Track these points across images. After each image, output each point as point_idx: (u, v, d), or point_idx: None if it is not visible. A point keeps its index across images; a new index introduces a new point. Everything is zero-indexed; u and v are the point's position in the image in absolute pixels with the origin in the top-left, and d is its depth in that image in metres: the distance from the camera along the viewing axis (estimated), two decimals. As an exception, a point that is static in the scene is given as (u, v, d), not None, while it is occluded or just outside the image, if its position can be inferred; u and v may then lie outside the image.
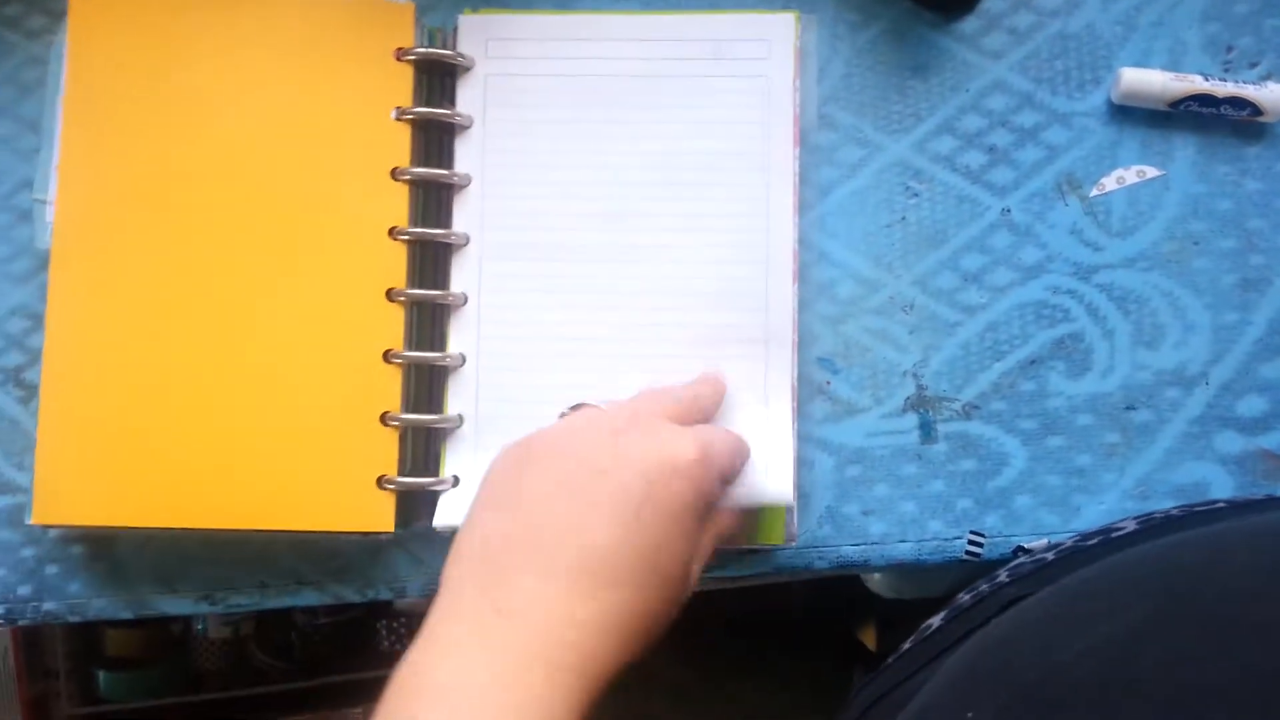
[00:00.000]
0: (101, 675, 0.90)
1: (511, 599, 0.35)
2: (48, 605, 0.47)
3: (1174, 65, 0.49)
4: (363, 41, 0.45)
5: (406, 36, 0.46)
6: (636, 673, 0.72)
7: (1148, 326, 0.48)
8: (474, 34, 0.47)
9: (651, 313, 0.46)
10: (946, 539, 0.47)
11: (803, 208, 0.48)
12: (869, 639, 0.86)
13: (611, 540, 0.36)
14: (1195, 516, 0.43)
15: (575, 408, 0.43)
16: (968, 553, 0.47)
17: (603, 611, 0.35)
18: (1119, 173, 0.49)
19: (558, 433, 0.39)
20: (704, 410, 0.43)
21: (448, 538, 0.46)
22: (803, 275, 0.47)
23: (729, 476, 0.41)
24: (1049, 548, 0.46)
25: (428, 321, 0.46)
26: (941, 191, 0.49)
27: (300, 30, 0.45)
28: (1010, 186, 0.49)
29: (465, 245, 0.46)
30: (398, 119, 0.45)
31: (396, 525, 0.44)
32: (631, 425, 0.38)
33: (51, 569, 0.47)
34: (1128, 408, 0.47)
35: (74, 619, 0.48)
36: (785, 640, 0.76)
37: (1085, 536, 0.45)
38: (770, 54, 0.47)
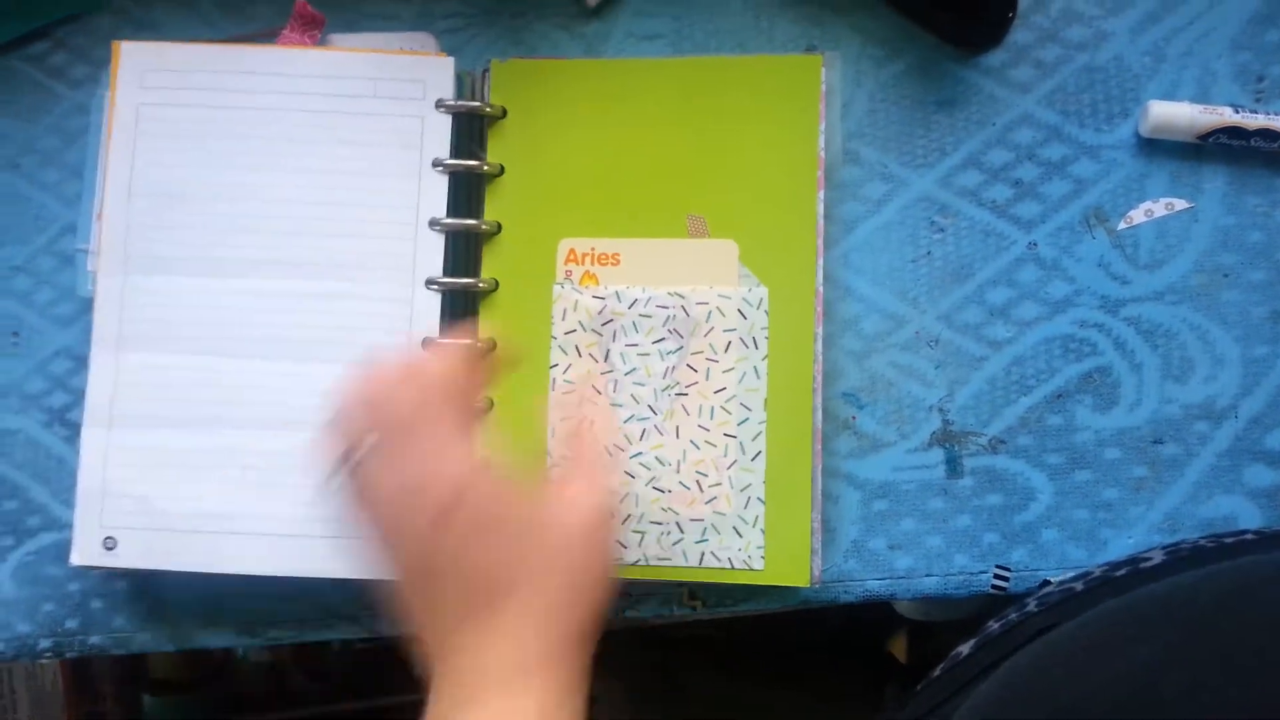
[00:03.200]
0: (146, 699, 0.93)
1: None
2: (93, 639, 0.49)
3: (1204, 95, 0.48)
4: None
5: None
6: (670, 684, 0.73)
7: (1176, 360, 0.48)
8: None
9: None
10: (973, 573, 0.47)
11: (828, 244, 0.48)
12: (899, 650, 0.86)
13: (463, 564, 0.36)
14: (1224, 549, 0.43)
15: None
16: (994, 587, 0.47)
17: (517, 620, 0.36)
18: (1147, 205, 0.48)
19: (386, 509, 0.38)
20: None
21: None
22: (828, 311, 0.48)
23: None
24: (1078, 576, 0.46)
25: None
26: (967, 226, 0.49)
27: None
28: (1037, 220, 0.49)
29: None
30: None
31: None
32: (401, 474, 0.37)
33: (96, 603, 0.49)
34: (1155, 441, 0.47)
35: (118, 652, 0.49)
36: (817, 652, 0.76)
37: (1114, 566, 0.45)
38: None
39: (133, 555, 0.45)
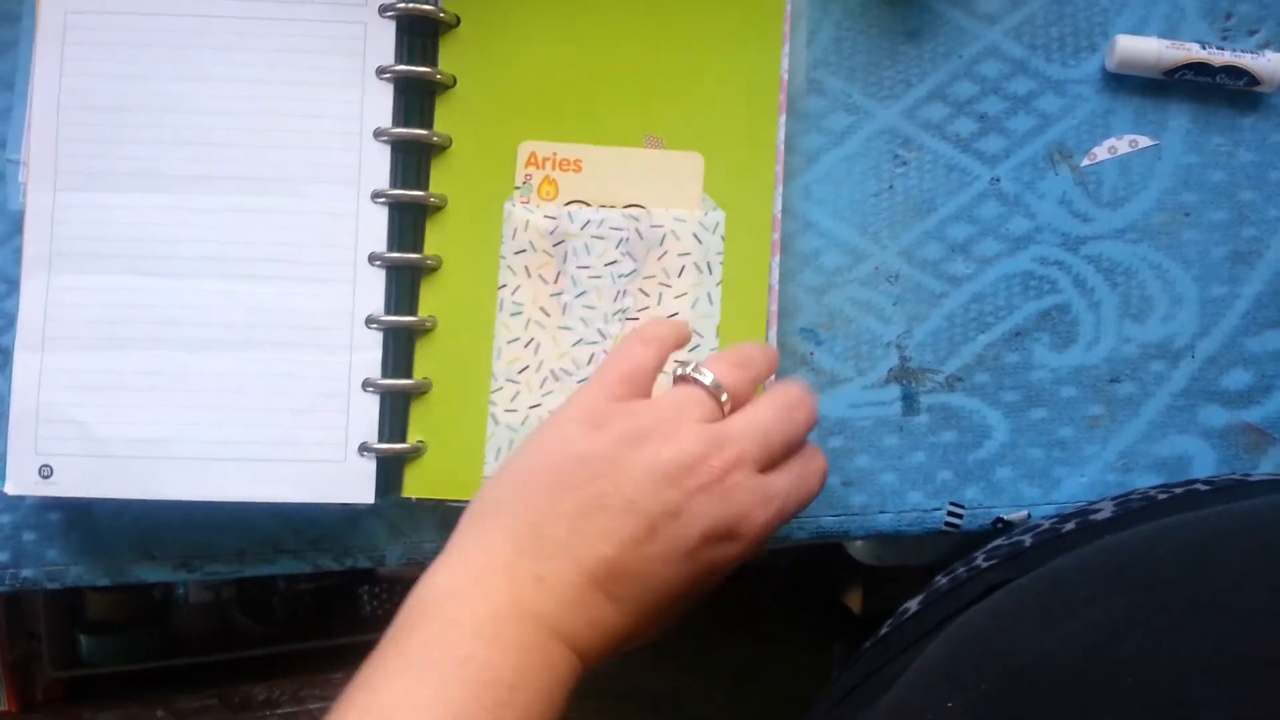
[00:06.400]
0: (83, 639, 0.90)
1: (545, 573, 0.36)
2: (25, 572, 0.47)
3: (1171, 32, 0.48)
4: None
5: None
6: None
7: (1135, 299, 0.47)
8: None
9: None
10: (926, 510, 0.47)
11: (788, 175, 0.47)
12: (855, 603, 0.87)
13: (634, 568, 0.37)
14: (1176, 500, 0.43)
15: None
16: (947, 524, 0.47)
17: (602, 616, 0.37)
18: (1111, 142, 0.48)
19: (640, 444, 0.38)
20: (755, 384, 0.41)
21: (425, 508, 0.46)
22: (787, 245, 0.47)
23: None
24: (1026, 529, 0.45)
25: (405, 288, 0.45)
26: (930, 160, 0.48)
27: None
28: (1000, 155, 0.48)
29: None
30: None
31: (376, 495, 0.44)
32: (718, 471, 0.38)
33: (29, 535, 0.47)
34: (1112, 380, 0.47)
35: (52, 586, 0.48)
36: (771, 601, 0.76)
37: (1063, 518, 0.44)
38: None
39: (70, 483, 0.44)
